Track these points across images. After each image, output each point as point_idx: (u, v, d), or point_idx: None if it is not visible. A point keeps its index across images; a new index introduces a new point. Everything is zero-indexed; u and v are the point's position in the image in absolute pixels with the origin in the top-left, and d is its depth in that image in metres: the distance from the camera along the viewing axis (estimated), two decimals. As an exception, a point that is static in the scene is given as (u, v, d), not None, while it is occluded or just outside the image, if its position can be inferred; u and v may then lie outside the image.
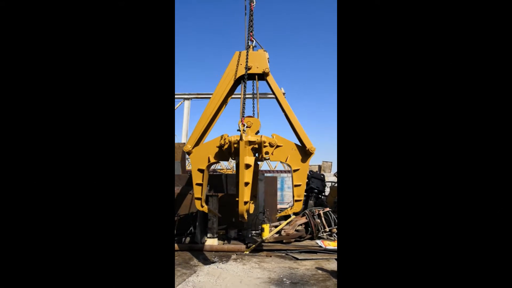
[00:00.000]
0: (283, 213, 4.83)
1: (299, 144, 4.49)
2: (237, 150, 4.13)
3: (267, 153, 4.31)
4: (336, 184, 7.83)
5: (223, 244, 5.44)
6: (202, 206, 4.47)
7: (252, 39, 4.83)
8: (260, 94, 5.54)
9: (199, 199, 4.45)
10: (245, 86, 4.46)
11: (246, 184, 3.98)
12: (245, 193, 3.98)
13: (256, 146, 4.17)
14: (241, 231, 6.21)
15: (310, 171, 8.45)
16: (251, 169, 4.04)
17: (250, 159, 4.04)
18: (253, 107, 5.12)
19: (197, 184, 4.45)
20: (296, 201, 4.43)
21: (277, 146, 4.38)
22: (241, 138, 3.95)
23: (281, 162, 4.61)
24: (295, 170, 4.39)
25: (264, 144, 4.22)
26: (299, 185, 4.40)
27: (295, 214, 6.92)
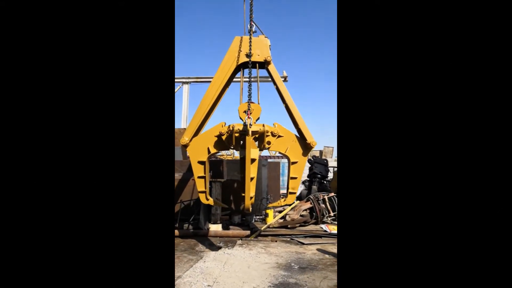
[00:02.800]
0: (275, 204, 4.72)
1: (298, 136, 4.32)
2: (238, 140, 3.95)
3: (269, 142, 4.11)
4: (339, 169, 7.80)
5: (227, 229, 5.39)
6: (207, 199, 4.29)
7: (252, 23, 4.43)
8: (260, 77, 5.26)
9: (203, 192, 4.26)
10: (250, 76, 4.11)
11: (252, 179, 3.85)
12: (251, 188, 3.86)
13: (257, 135, 3.98)
14: (244, 217, 6.18)
15: (313, 156, 8.37)
16: (256, 163, 3.90)
17: (255, 153, 3.86)
18: (250, 92, 4.85)
19: (199, 177, 4.23)
20: (290, 193, 4.33)
21: (279, 136, 4.19)
22: (247, 133, 3.68)
23: (279, 152, 4.42)
24: (293, 163, 4.24)
25: (267, 134, 4.03)
26: (295, 178, 4.29)
27: (298, 199, 6.88)
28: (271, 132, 4.12)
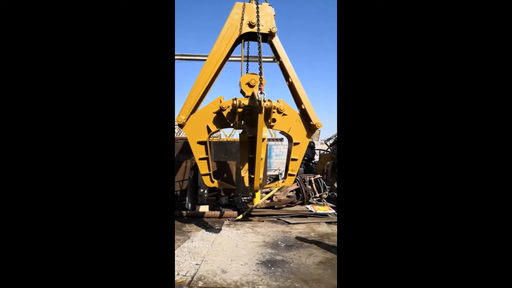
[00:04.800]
0: (272, 185, 4.65)
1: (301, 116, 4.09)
2: (241, 116, 3.68)
3: (274, 120, 3.81)
4: (325, 152, 7.90)
5: (215, 210, 5.42)
6: (212, 182, 3.99)
7: None
8: (250, 57, 4.99)
9: (208, 174, 3.93)
10: (260, 46, 3.64)
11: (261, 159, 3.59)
12: (261, 169, 3.59)
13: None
14: (232, 198, 6.21)
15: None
16: (265, 142, 3.62)
17: (265, 131, 3.56)
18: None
19: (201, 159, 3.85)
20: (290, 175, 4.14)
21: (284, 114, 3.91)
22: (260, 110, 3.24)
23: (280, 131, 4.12)
24: (295, 144, 4.03)
25: (273, 110, 3.71)
26: (296, 160, 4.08)
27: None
28: (277, 109, 3.82)
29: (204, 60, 7.83)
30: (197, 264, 3.06)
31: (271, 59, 8.47)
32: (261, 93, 3.32)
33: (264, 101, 3.27)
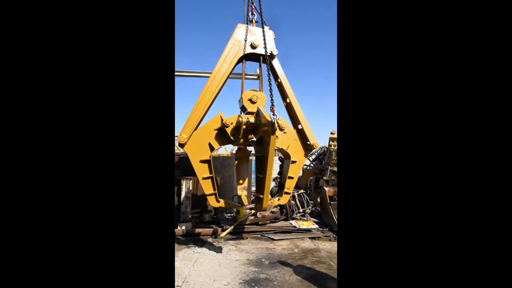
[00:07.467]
0: (268, 202, 4.61)
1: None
2: (244, 133, 3.67)
3: (276, 137, 3.74)
4: (308, 167, 8.02)
5: (198, 228, 5.29)
6: (218, 201, 3.85)
7: (254, 12, 4.14)
8: (242, 74, 5.06)
9: (213, 194, 3.79)
10: (269, 68, 3.72)
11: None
12: (269, 189, 3.52)
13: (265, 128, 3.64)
14: (215, 214, 6.10)
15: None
16: (273, 161, 3.63)
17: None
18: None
19: (205, 178, 3.75)
20: (286, 193, 4.14)
21: (284, 132, 3.98)
22: (273, 132, 3.18)
23: (279, 148, 4.13)
24: (292, 162, 4.07)
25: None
26: (292, 178, 4.10)
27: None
28: (279, 126, 3.82)
29: (189, 76, 7.88)
30: (177, 286, 2.95)
31: (255, 77, 8.67)
32: (273, 114, 3.28)
33: (277, 122, 3.21)
